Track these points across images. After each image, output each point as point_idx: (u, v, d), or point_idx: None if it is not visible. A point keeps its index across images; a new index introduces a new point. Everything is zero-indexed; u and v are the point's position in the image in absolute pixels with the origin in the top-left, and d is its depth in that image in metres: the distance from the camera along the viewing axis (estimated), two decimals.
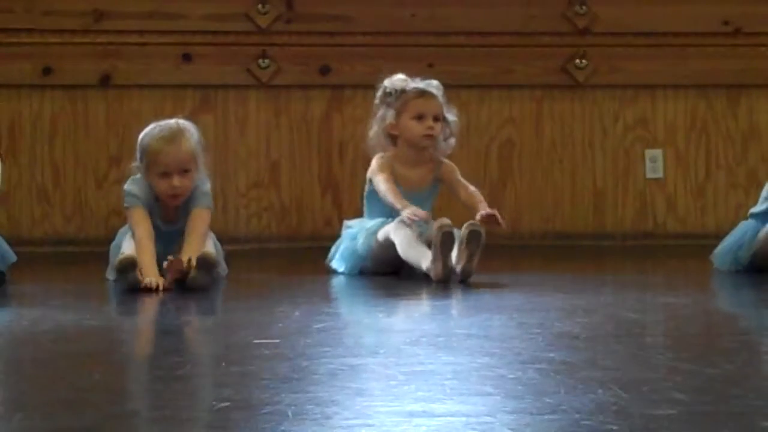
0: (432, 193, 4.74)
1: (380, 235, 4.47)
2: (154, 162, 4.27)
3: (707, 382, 2.33)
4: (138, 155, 4.34)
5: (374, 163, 4.66)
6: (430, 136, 4.61)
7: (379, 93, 4.69)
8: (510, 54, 6.21)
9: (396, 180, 4.61)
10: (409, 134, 4.62)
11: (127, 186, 4.34)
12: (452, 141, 4.71)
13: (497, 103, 6.25)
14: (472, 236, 4.15)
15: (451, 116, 4.68)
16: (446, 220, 4.21)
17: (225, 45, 6.07)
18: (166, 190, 4.27)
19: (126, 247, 4.17)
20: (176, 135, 4.29)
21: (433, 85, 4.66)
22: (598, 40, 6.24)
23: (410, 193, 4.59)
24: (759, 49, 6.22)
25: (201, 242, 4.23)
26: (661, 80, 6.26)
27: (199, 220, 4.30)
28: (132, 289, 4.00)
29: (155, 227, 4.29)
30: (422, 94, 4.62)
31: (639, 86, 6.28)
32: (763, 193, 4.71)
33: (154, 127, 4.33)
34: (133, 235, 4.23)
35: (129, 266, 3.99)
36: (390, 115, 4.63)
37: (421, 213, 4.38)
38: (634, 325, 3.29)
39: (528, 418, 2.00)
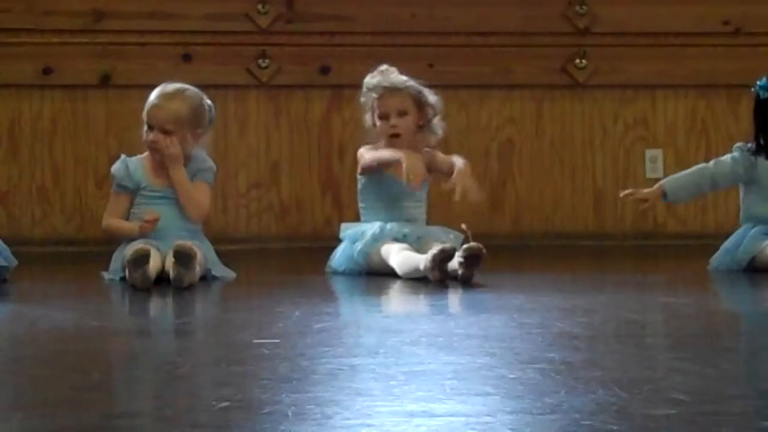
0: (423, 186, 4.74)
1: (382, 252, 4.47)
2: (145, 113, 4.46)
3: (707, 382, 2.33)
4: None
5: (360, 151, 4.72)
6: (395, 135, 4.62)
7: (363, 90, 4.71)
8: (510, 54, 6.21)
9: (387, 169, 4.64)
10: (379, 133, 4.67)
11: (114, 169, 4.52)
12: (437, 120, 4.69)
13: (497, 103, 6.25)
14: (469, 260, 4.13)
15: (431, 97, 4.67)
16: (450, 246, 4.19)
17: (225, 45, 6.08)
18: (147, 142, 4.46)
19: (135, 243, 4.19)
20: (170, 95, 4.47)
21: (400, 81, 4.65)
22: (598, 40, 6.24)
23: (400, 179, 4.63)
24: (759, 49, 6.22)
25: (195, 206, 4.44)
26: (661, 80, 6.26)
27: (198, 191, 4.47)
28: (143, 287, 4.00)
29: (150, 195, 4.44)
30: (384, 91, 4.63)
31: (639, 86, 6.28)
32: None
33: (162, 85, 4.52)
34: (107, 215, 4.49)
35: (142, 258, 3.99)
36: (368, 114, 4.68)
37: (419, 171, 4.39)
38: (634, 325, 3.29)
39: (528, 418, 2.00)
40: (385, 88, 4.64)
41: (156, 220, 4.33)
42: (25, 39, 6.00)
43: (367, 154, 4.64)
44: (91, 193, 6.03)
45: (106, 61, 6.02)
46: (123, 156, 4.54)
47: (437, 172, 4.72)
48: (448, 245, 4.20)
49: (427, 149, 4.71)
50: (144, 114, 4.46)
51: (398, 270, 4.36)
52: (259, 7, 6.08)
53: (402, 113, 4.63)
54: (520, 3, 6.20)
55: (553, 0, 6.22)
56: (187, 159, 4.47)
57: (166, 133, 4.41)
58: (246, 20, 6.09)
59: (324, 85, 6.15)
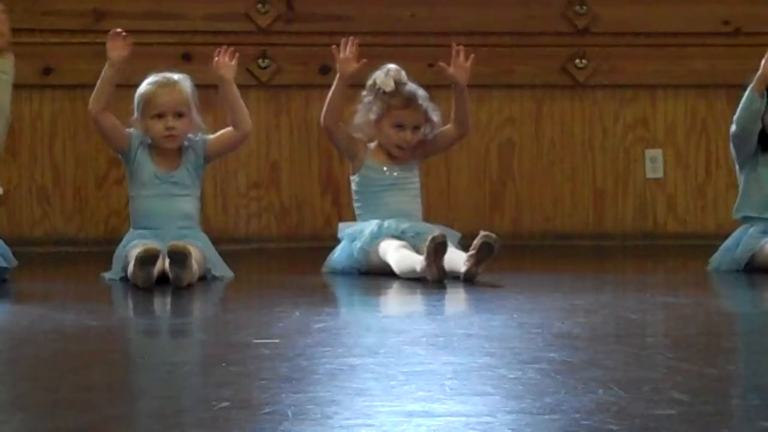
0: (414, 166, 4.80)
1: (380, 250, 4.48)
2: (148, 105, 4.46)
3: (707, 382, 2.33)
4: (135, 106, 4.51)
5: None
6: (404, 148, 4.71)
7: (369, 82, 4.73)
8: (510, 54, 6.21)
9: (378, 163, 4.72)
10: (386, 140, 4.72)
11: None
12: (431, 136, 4.79)
13: (497, 103, 6.25)
14: (485, 247, 4.14)
15: (435, 116, 4.73)
16: (439, 233, 4.20)
17: (225, 45, 6.06)
18: (161, 130, 4.44)
19: (143, 242, 4.17)
20: (171, 81, 4.51)
21: (419, 96, 4.69)
22: (598, 40, 6.24)
23: (396, 166, 4.71)
24: (759, 49, 6.22)
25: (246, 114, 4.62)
26: (661, 80, 6.26)
27: (221, 134, 4.59)
28: (144, 286, 3.99)
29: (155, 178, 4.45)
30: (407, 105, 4.67)
31: (639, 86, 6.28)
32: None
33: (150, 77, 4.54)
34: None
35: (151, 259, 3.98)
36: (374, 110, 4.70)
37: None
38: (634, 325, 3.29)
39: (528, 418, 2.00)
40: (407, 99, 4.67)
41: (127, 40, 4.48)
42: (25, 39, 5.99)
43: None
44: (91, 193, 6.03)
45: (106, 61, 6.01)
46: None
47: (440, 144, 4.83)
48: (437, 233, 4.19)
49: (424, 137, 4.76)
50: (145, 105, 4.44)
51: (395, 268, 4.36)
52: (259, 7, 6.08)
53: (417, 128, 4.70)
54: (520, 3, 6.20)
55: (553, 0, 6.22)
56: (184, 146, 4.48)
57: (179, 116, 4.43)
58: (246, 20, 6.09)
59: (324, 85, 6.12)
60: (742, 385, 2.33)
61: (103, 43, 6.01)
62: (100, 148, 6.03)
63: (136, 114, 4.49)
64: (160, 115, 4.43)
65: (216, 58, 4.54)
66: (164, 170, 4.48)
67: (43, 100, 6.03)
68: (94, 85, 5.98)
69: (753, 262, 4.59)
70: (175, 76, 4.52)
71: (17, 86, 5.96)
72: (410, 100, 4.67)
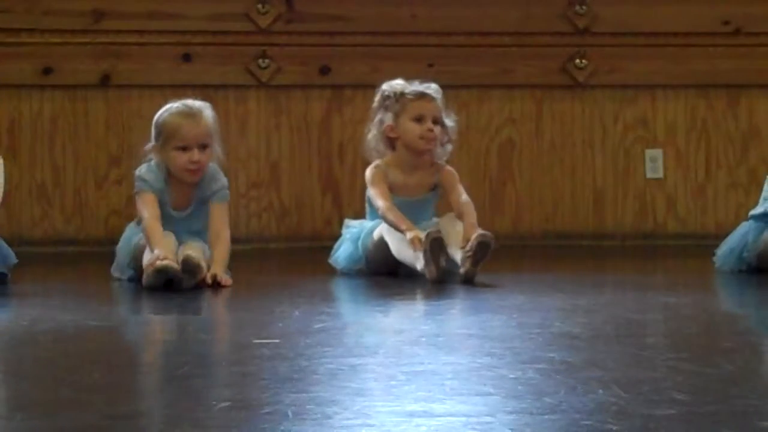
0: (432, 199, 4.69)
1: (375, 234, 4.48)
2: (172, 136, 4.30)
3: (707, 382, 2.33)
4: (154, 133, 4.36)
5: (368, 173, 4.61)
6: (430, 139, 4.57)
7: (378, 97, 4.67)
8: (510, 54, 6.21)
9: (393, 187, 4.57)
10: (409, 136, 4.57)
11: (139, 171, 4.37)
12: (449, 147, 4.68)
13: (497, 103, 6.24)
14: (481, 247, 4.14)
15: (449, 121, 4.66)
16: (434, 230, 4.19)
17: (225, 45, 6.07)
18: (185, 164, 4.30)
19: (155, 253, 4.11)
20: (195, 111, 4.36)
21: (432, 89, 4.64)
22: (598, 40, 6.24)
23: (408, 200, 4.58)
24: (759, 49, 6.22)
25: (226, 251, 4.29)
26: (661, 80, 6.26)
27: (220, 220, 4.35)
28: (152, 288, 3.97)
29: (166, 216, 4.32)
30: (422, 96, 4.59)
31: (639, 86, 6.28)
32: (763, 194, 4.71)
33: (171, 105, 4.39)
34: (141, 219, 4.28)
35: (169, 273, 3.97)
36: (388, 117, 4.60)
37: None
38: (634, 325, 3.30)
39: (528, 418, 2.00)
40: (423, 93, 4.59)
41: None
42: (25, 39, 6.00)
43: (378, 200, 4.48)
44: (91, 193, 6.03)
45: (106, 61, 6.02)
46: (148, 164, 4.38)
47: (445, 191, 4.64)
48: (432, 230, 4.18)
49: (447, 166, 4.67)
50: (169, 135, 4.29)
51: (393, 249, 4.34)
52: (259, 7, 6.08)
53: (436, 121, 4.59)
54: (520, 3, 6.19)
55: (553, 0, 6.22)
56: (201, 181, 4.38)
57: (204, 148, 4.31)
58: (246, 20, 6.09)
59: (324, 85, 6.15)
60: (742, 385, 2.33)
61: (103, 43, 6.04)
62: (100, 148, 6.04)
63: (154, 142, 4.35)
64: (184, 148, 4.29)
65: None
66: (177, 208, 4.37)
67: (43, 100, 6.03)
68: (94, 86, 6.02)
69: (760, 258, 4.55)
70: (197, 104, 4.39)
71: (17, 86, 5.99)
72: (423, 93, 4.61)
